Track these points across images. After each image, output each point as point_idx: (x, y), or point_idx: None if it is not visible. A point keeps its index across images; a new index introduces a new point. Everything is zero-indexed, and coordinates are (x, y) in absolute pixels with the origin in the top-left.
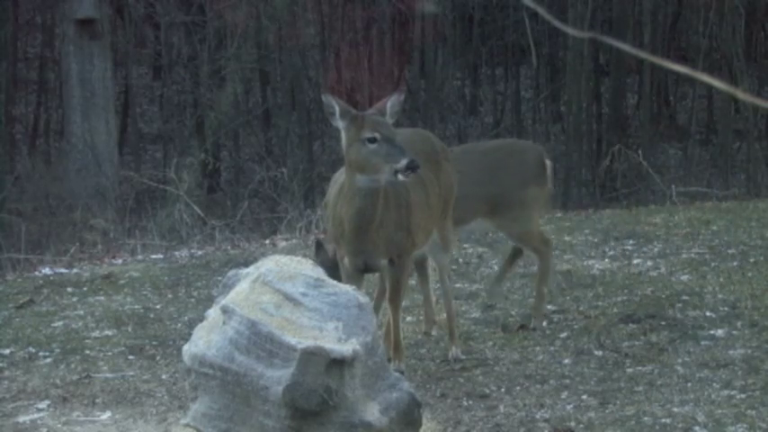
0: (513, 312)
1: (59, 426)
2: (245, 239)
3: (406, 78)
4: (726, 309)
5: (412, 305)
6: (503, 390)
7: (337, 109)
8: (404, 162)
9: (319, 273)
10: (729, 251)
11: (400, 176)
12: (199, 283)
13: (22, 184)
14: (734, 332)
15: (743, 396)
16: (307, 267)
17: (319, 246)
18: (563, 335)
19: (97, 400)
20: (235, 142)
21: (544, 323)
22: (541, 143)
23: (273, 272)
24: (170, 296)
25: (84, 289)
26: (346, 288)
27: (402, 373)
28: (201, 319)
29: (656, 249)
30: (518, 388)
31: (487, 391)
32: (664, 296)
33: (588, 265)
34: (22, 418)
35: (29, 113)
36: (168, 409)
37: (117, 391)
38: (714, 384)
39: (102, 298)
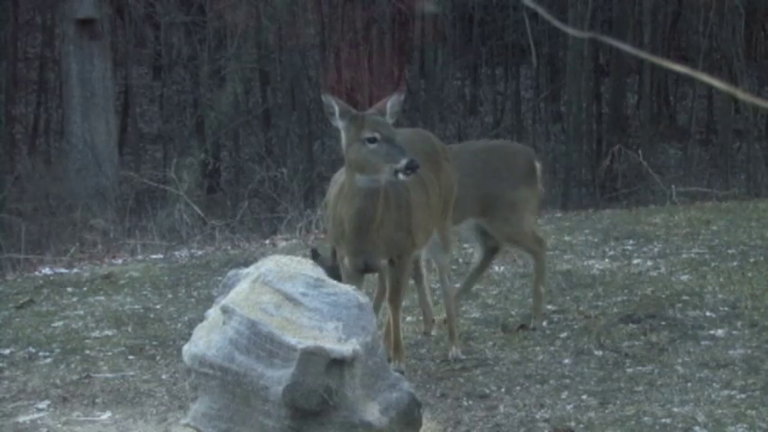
0: (513, 312)
1: (59, 426)
2: (245, 239)
3: (406, 78)
4: (726, 309)
5: (412, 305)
6: (503, 390)
7: (337, 109)
8: (404, 162)
9: (319, 273)
10: (729, 251)
11: (401, 176)
12: (199, 283)
13: (22, 184)
14: (734, 332)
15: (743, 396)
16: (307, 267)
17: (315, 254)
18: (563, 335)
19: (97, 400)
20: (235, 142)
21: (544, 323)
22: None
23: (273, 272)
24: (170, 296)
25: (84, 289)
26: (346, 288)
27: (402, 373)
28: (201, 319)
29: (656, 249)
30: (518, 388)
31: (487, 391)
32: (664, 296)
33: (588, 265)
34: (22, 418)
35: (29, 113)
36: (168, 409)
37: (117, 391)
38: (714, 384)
39: (102, 298)
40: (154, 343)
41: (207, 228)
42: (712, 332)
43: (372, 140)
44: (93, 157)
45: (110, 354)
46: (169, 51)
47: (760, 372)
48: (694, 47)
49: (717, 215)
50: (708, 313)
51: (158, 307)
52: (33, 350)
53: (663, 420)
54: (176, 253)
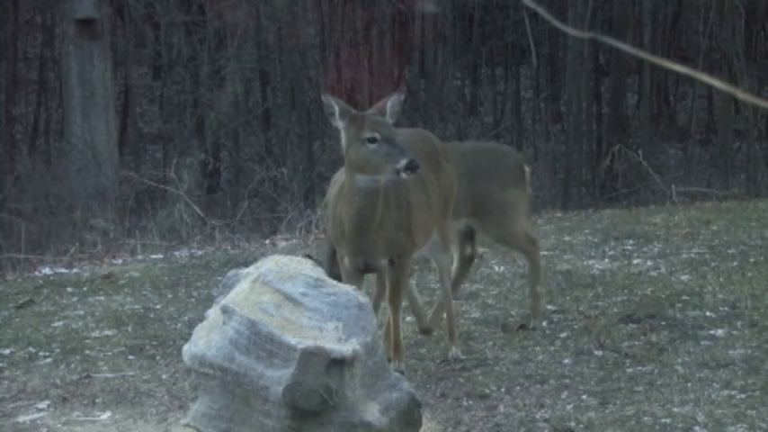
0: (513, 312)
1: (59, 426)
2: (245, 239)
3: (406, 78)
4: (726, 309)
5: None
6: (503, 390)
7: (337, 109)
8: (403, 162)
9: (319, 273)
10: (729, 251)
11: (403, 175)
12: (199, 283)
13: (22, 184)
14: (734, 332)
15: (743, 396)
16: (307, 267)
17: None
18: (563, 335)
19: (97, 400)
20: (235, 142)
21: (544, 323)
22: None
23: (273, 272)
24: (170, 296)
25: (84, 289)
26: (346, 288)
27: (402, 373)
28: (201, 319)
29: (656, 249)
30: (518, 388)
31: (487, 391)
32: (664, 296)
33: (588, 265)
34: (22, 418)
35: (29, 113)
36: (168, 409)
37: (117, 391)
38: (714, 384)
39: (102, 298)
40: (154, 343)
41: (207, 228)
42: (712, 332)
43: (372, 140)
44: (93, 157)
45: (110, 354)
46: (169, 51)
47: (760, 372)
48: (694, 47)
49: (717, 215)
50: (708, 313)
51: (158, 307)
52: (33, 350)
53: (663, 420)
54: (176, 253)
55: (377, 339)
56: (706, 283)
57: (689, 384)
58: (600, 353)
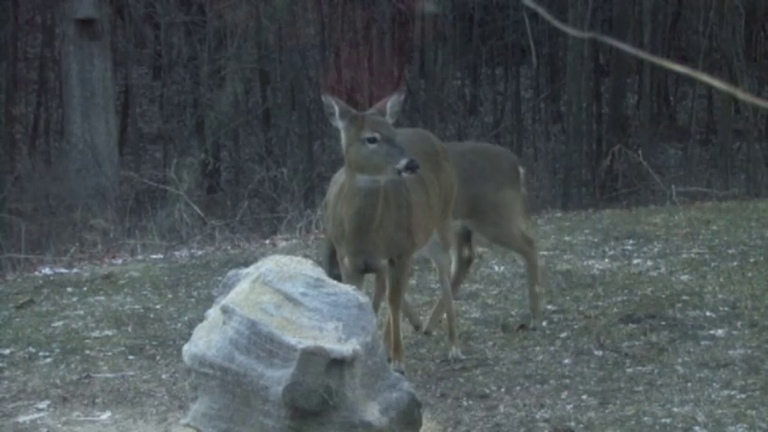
0: (513, 312)
1: (59, 426)
2: (245, 239)
3: (406, 78)
4: (726, 309)
5: (412, 305)
6: (503, 390)
7: (337, 109)
8: (404, 162)
9: (319, 273)
10: (729, 251)
11: (403, 174)
12: (199, 283)
13: (22, 184)
14: (734, 332)
15: (743, 396)
16: (307, 267)
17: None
18: (563, 335)
19: (97, 400)
20: (235, 142)
21: (544, 323)
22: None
23: (273, 272)
24: (170, 296)
25: (84, 289)
26: (346, 288)
27: (402, 373)
28: (201, 319)
29: (656, 249)
30: (518, 388)
31: (487, 391)
32: (664, 296)
33: (588, 265)
34: (22, 418)
35: (29, 113)
36: (168, 409)
37: (117, 391)
38: (714, 384)
39: (102, 298)
40: (154, 343)
41: (207, 228)
42: (712, 332)
43: (372, 140)
44: (93, 157)
45: (110, 354)
46: (169, 51)
47: (760, 372)
48: (694, 47)
49: (717, 215)
50: (708, 313)
51: (158, 307)
52: (33, 350)
53: (663, 420)
54: (176, 253)
55: (377, 339)
56: (706, 283)
57: (689, 384)
58: (600, 353)
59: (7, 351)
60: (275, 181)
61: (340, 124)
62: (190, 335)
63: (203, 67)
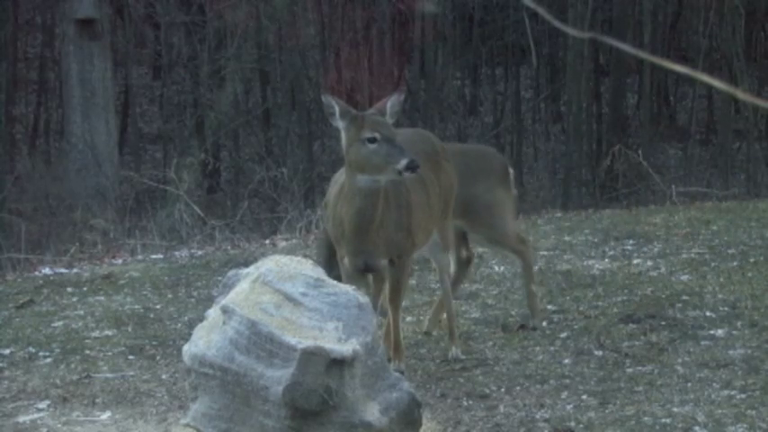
0: (513, 312)
1: (59, 426)
2: (245, 239)
3: (406, 78)
4: (726, 309)
5: (412, 305)
6: (503, 390)
7: (337, 109)
8: (404, 162)
9: (319, 273)
10: (729, 251)
11: (403, 174)
12: (199, 283)
13: (22, 184)
14: (734, 332)
15: (743, 396)
16: (307, 267)
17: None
18: (563, 335)
19: (97, 400)
20: (235, 142)
21: (544, 323)
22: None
23: (273, 272)
24: (170, 296)
25: (84, 289)
26: (346, 288)
27: (402, 373)
28: (201, 319)
29: (656, 249)
30: (518, 388)
31: (487, 391)
32: (664, 296)
33: (588, 265)
34: (22, 418)
35: (29, 113)
36: (168, 409)
37: (117, 391)
38: (714, 384)
39: (102, 298)
40: (154, 343)
41: (207, 228)
42: (712, 332)
43: (372, 140)
44: (93, 157)
45: (110, 354)
46: (169, 51)
47: (760, 372)
48: (694, 47)
49: (717, 215)
50: (708, 313)
51: (158, 307)
52: (33, 350)
53: (663, 420)
54: (176, 253)
55: (377, 339)
56: (706, 283)
57: (689, 384)
58: (600, 353)
59: (7, 351)
60: (275, 181)
61: (340, 124)
62: (190, 335)
63: (203, 67)
